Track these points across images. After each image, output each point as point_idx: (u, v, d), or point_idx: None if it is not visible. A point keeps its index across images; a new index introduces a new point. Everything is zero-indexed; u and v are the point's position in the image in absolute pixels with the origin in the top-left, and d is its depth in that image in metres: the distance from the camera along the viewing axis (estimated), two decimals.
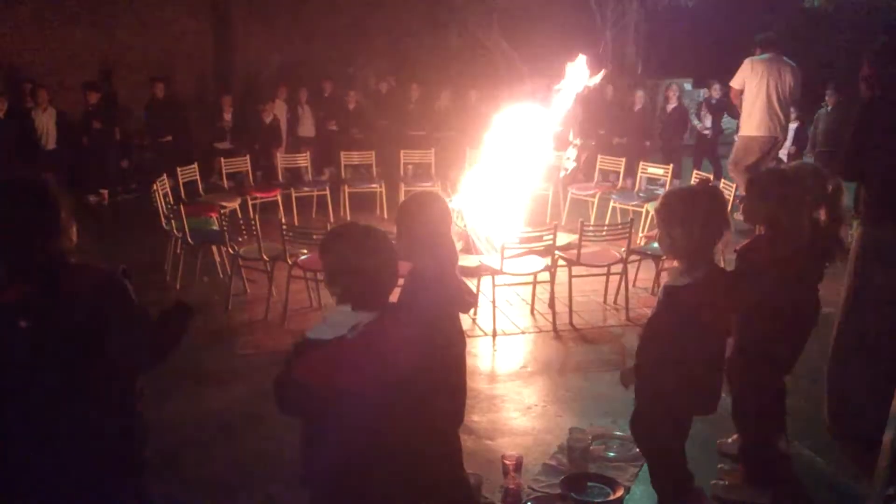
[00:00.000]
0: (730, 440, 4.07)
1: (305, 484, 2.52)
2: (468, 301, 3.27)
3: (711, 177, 8.45)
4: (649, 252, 6.60)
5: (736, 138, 8.99)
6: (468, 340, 5.85)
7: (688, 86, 15.34)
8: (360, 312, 2.41)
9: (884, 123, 4.01)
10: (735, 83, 8.36)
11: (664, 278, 5.71)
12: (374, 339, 2.38)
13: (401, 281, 2.97)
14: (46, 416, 2.36)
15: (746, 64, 8.32)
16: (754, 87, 8.19)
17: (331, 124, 12.67)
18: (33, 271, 2.34)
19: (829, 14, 17.80)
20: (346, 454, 2.41)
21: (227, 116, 12.09)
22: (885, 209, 4.08)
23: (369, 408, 2.36)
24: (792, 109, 10.42)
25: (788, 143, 10.48)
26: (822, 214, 3.65)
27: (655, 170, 9.49)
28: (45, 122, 10.64)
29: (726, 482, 3.84)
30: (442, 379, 2.97)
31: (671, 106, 12.38)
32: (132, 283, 2.49)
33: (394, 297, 2.62)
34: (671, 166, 9.26)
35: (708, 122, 12.20)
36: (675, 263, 3.18)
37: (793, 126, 10.52)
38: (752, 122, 8.27)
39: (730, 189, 7.68)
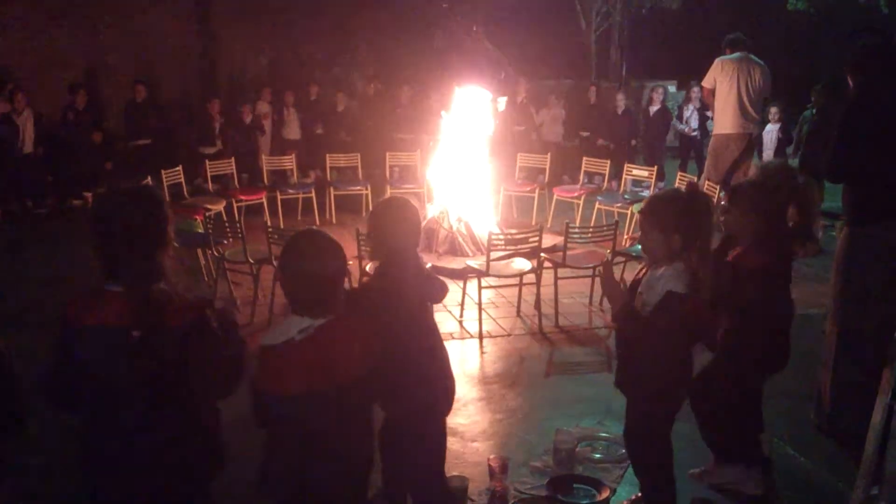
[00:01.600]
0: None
1: (261, 488, 2.57)
2: (438, 290, 3.28)
3: (696, 178, 8.51)
4: (634, 253, 6.62)
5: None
6: (455, 343, 5.89)
7: (672, 88, 15.41)
8: (308, 317, 2.47)
9: (866, 125, 4.05)
10: (706, 83, 8.49)
11: None
12: (323, 341, 2.45)
13: None
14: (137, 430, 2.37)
15: (717, 63, 8.43)
16: (725, 85, 8.31)
17: (317, 127, 12.65)
18: (146, 284, 2.35)
19: (813, 16, 17.92)
20: (300, 458, 2.49)
21: (216, 122, 11.90)
22: (868, 209, 4.11)
23: (318, 410, 2.44)
24: (775, 110, 10.53)
25: (772, 143, 10.54)
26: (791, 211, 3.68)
27: (640, 172, 9.53)
28: (23, 125, 10.52)
29: (702, 468, 3.88)
30: (404, 377, 3.00)
31: (654, 108, 12.45)
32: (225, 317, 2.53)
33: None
34: (655, 168, 9.29)
35: (694, 122, 12.27)
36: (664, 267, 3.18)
37: (776, 127, 10.59)
38: (725, 120, 8.39)
39: (714, 190, 7.73)
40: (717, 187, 7.82)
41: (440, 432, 3.30)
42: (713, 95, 8.41)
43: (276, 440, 2.54)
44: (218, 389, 2.46)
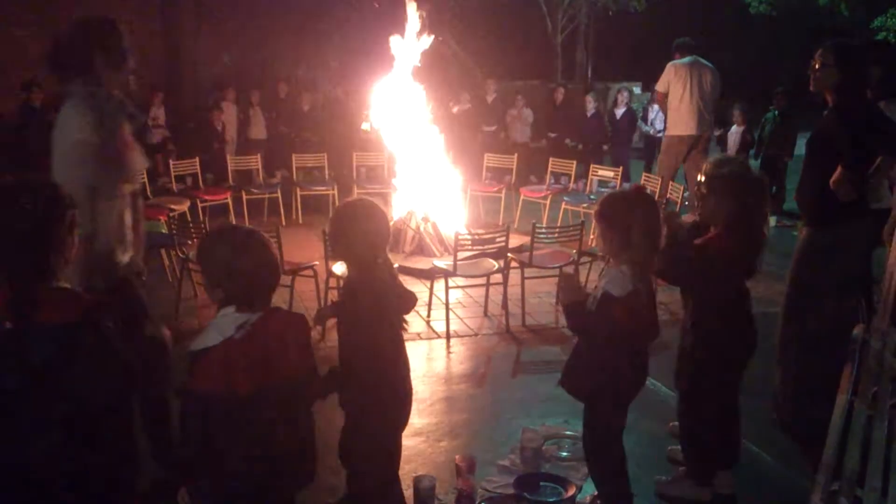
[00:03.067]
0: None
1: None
2: (406, 302, 3.30)
3: (660, 180, 8.65)
4: (601, 253, 6.65)
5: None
6: (422, 343, 5.89)
7: (637, 89, 15.56)
8: (244, 313, 2.42)
9: (832, 130, 4.13)
10: (660, 87, 8.77)
11: None
12: (261, 337, 2.41)
13: None
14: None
15: (670, 67, 8.71)
16: (678, 89, 8.59)
17: (282, 127, 12.57)
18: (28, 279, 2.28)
19: (775, 19, 18.18)
20: (251, 460, 2.43)
21: (159, 112, 11.91)
22: (827, 210, 4.17)
23: (267, 408, 2.40)
24: (738, 112, 10.68)
25: (735, 145, 10.67)
26: None
27: (606, 172, 9.61)
28: None
29: (668, 478, 3.90)
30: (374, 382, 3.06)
31: (620, 110, 12.56)
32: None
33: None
34: (621, 169, 9.37)
35: (658, 124, 12.39)
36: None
37: (740, 129, 10.73)
38: (679, 121, 8.66)
39: (678, 191, 7.82)
40: (681, 188, 7.93)
41: (396, 443, 3.36)
42: (666, 98, 8.72)
43: (223, 447, 2.42)
44: (103, 394, 2.35)
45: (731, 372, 3.80)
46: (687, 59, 8.70)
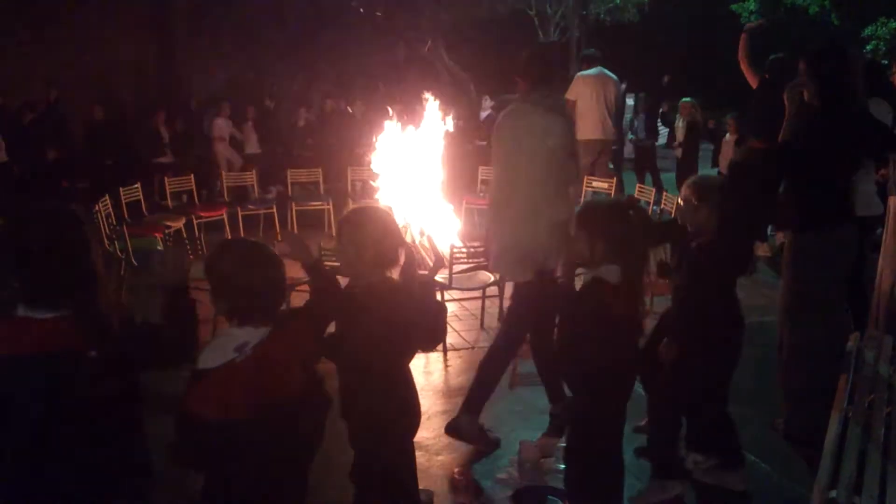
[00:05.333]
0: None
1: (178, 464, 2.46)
2: (433, 317, 3.10)
3: (654, 190, 8.71)
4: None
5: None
6: (419, 356, 5.87)
7: (630, 101, 15.63)
8: (246, 328, 2.38)
9: (814, 135, 4.16)
10: (570, 95, 9.34)
11: None
12: (264, 358, 2.35)
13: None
14: None
15: (578, 78, 9.46)
16: (586, 97, 9.27)
17: (277, 142, 12.62)
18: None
19: (767, 29, 18.28)
20: (249, 486, 2.37)
21: (163, 131, 11.98)
22: (815, 215, 4.20)
23: (265, 431, 2.33)
24: (731, 119, 10.74)
25: (728, 154, 10.68)
26: None
27: (600, 183, 9.63)
28: None
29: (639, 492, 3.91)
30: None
31: None
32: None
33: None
34: (615, 180, 9.39)
35: (640, 132, 12.52)
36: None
37: (732, 138, 10.75)
38: (586, 128, 9.22)
39: (672, 201, 7.84)
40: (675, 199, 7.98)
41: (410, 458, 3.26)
42: (574, 107, 9.34)
43: (222, 467, 2.39)
44: None
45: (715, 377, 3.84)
46: (593, 71, 9.41)
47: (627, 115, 13.96)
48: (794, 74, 5.26)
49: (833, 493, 3.25)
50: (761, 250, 8.23)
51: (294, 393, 2.40)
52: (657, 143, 13.04)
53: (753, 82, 7.66)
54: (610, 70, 9.46)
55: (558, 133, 4.03)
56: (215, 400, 2.30)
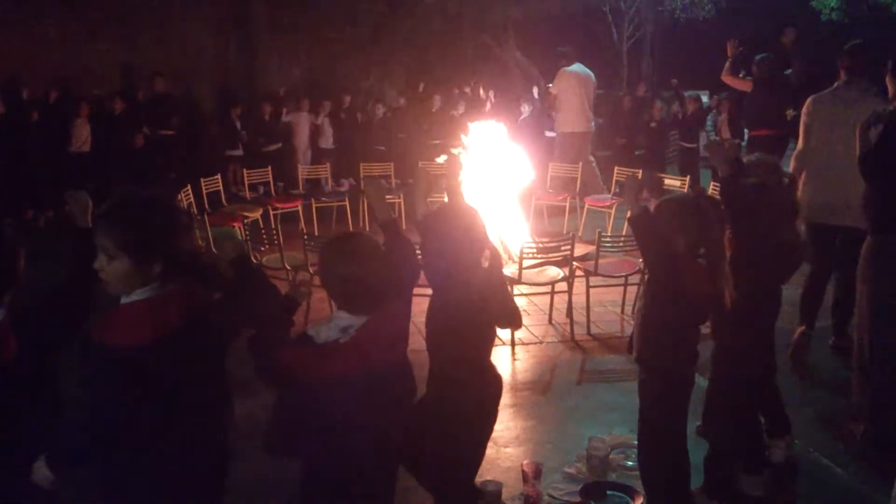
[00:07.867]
0: None
1: (270, 451, 2.60)
2: (508, 317, 3.39)
3: None
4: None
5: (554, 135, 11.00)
6: None
7: (705, 98, 15.37)
8: (353, 317, 2.49)
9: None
10: (554, 90, 10.07)
11: None
12: (363, 342, 2.46)
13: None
14: None
15: (561, 73, 10.19)
16: (569, 92, 9.99)
17: (352, 137, 12.86)
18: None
19: (846, 25, 17.78)
20: (334, 441, 2.45)
21: (238, 125, 12.43)
22: (890, 218, 4.12)
23: (354, 401, 2.43)
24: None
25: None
26: None
27: (672, 181, 9.52)
28: (78, 131, 10.78)
29: None
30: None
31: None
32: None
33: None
34: (688, 178, 9.29)
35: (725, 132, 12.24)
36: None
37: None
38: (570, 120, 10.02)
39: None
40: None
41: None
42: (557, 101, 10.11)
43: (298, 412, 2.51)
44: None
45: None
46: (575, 67, 10.15)
47: (709, 119, 13.69)
48: (781, 72, 5.91)
49: None
50: None
51: (388, 374, 2.52)
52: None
53: (746, 87, 8.39)
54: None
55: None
56: (310, 368, 2.42)
